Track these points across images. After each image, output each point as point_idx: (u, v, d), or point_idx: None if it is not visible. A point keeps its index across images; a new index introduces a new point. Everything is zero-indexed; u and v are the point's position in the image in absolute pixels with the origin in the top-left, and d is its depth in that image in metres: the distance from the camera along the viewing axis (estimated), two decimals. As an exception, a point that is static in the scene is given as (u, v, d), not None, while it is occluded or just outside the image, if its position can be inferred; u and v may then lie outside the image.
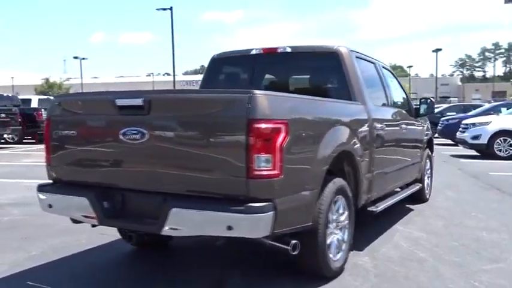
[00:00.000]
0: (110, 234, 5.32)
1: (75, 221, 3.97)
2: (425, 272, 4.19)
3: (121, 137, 3.49)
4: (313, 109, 3.78)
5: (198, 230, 3.24)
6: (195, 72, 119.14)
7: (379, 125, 4.90)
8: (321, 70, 5.02)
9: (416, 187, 6.58)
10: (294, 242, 3.46)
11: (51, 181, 3.98)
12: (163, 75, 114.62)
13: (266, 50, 5.17)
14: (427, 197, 7.43)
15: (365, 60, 5.30)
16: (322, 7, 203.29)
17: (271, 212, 3.11)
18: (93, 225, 3.97)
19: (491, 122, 13.96)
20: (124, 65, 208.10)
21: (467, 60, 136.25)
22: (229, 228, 3.09)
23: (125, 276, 4.26)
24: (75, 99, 4.01)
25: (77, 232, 5.51)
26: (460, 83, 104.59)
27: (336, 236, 4.02)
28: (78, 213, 3.73)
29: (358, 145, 4.33)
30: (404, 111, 6.14)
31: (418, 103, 6.51)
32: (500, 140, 13.57)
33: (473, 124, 14.15)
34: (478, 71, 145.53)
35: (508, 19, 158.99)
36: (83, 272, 4.30)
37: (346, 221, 4.17)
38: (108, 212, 3.58)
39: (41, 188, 3.93)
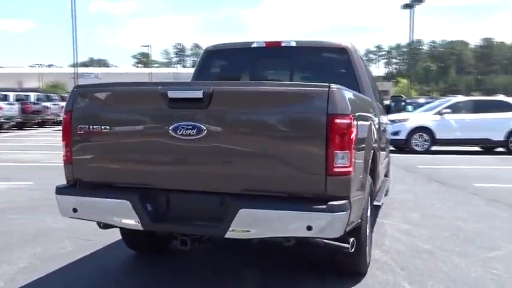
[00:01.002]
0: (95, 240, 4.89)
1: (105, 226, 3.57)
2: (441, 262, 4.36)
3: (171, 132, 3.17)
4: (364, 104, 3.74)
5: (270, 232, 3.05)
6: (84, 64, 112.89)
7: (380, 121, 5.00)
8: (329, 66, 4.97)
9: (387, 181, 6.83)
10: (352, 239, 3.41)
11: (71, 182, 3.52)
12: (48, 66, 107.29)
13: (269, 43, 5.02)
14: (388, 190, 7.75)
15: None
16: (215, 3, 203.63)
17: (349, 210, 3.03)
18: (122, 231, 3.58)
19: (409, 119, 14.97)
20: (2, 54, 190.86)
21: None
22: (309, 228, 2.96)
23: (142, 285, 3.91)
24: (110, 90, 3.53)
25: (55, 239, 5.01)
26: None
27: (368, 231, 4.04)
28: (115, 218, 3.34)
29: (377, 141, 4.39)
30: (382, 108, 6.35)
31: (390, 100, 6.77)
32: (416, 136, 14.66)
33: (393, 121, 15.03)
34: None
35: (389, 23, 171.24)
36: (91, 283, 3.88)
37: (371, 217, 4.20)
38: (154, 216, 3.25)
39: (62, 191, 3.47)
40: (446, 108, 15.16)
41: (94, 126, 3.38)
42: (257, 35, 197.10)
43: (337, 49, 4.86)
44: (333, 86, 3.01)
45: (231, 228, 3.06)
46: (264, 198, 3.09)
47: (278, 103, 3.09)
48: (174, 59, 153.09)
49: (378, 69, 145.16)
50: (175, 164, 3.28)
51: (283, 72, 5.12)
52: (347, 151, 3.01)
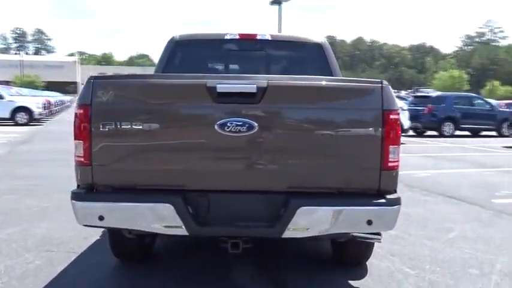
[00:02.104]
0: (62, 250, 4.39)
1: (136, 236, 3.20)
2: (418, 246, 4.71)
3: (217, 129, 2.96)
4: None
5: (331, 228, 3.02)
6: None
7: None
8: (305, 60, 4.98)
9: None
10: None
11: (87, 187, 3.08)
12: None
13: (243, 35, 4.89)
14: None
15: None
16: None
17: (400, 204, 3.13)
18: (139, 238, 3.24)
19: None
20: None
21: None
22: (369, 223, 2.99)
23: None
24: (143, 82, 3.11)
25: (11, 253, 4.32)
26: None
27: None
28: (155, 224, 3.00)
29: None
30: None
31: None
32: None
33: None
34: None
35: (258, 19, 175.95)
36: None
37: None
38: (200, 219, 3.01)
39: (83, 196, 3.03)
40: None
41: (123, 123, 2.99)
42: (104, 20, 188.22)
43: (313, 44, 4.91)
44: (385, 82, 3.07)
45: (289, 228, 2.96)
46: (320, 195, 3.05)
47: (333, 98, 3.07)
48: (14, 45, 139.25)
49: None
50: (222, 162, 3.07)
51: (258, 66, 5.01)
52: (397, 145, 3.09)
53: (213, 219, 3.07)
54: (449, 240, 4.91)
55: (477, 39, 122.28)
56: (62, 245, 4.55)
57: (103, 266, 4.08)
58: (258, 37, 4.86)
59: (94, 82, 3.03)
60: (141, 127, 2.99)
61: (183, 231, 2.99)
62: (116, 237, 3.81)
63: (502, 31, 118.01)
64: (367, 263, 4.12)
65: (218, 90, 2.93)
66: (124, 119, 2.99)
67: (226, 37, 4.87)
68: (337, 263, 4.12)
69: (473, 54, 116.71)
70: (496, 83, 71.85)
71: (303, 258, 4.35)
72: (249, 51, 4.96)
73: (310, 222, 2.99)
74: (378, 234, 3.47)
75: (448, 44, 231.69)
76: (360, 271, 4.00)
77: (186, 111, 3.06)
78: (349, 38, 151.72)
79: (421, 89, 42.87)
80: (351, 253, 3.94)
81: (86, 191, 3.06)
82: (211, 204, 3.08)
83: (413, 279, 3.88)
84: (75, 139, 3.09)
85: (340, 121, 3.06)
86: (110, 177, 3.07)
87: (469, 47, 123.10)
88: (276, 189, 3.07)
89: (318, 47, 4.88)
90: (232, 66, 5.07)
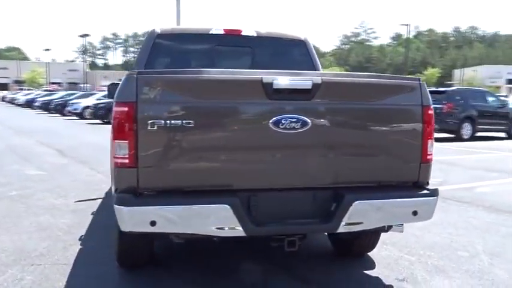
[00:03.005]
0: (49, 263, 4.00)
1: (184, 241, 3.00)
2: (410, 235, 4.99)
3: (271, 126, 2.90)
4: None
5: (382, 221, 3.11)
6: None
7: None
8: (289, 57, 5.01)
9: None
10: None
11: (131, 190, 2.83)
12: None
13: (228, 31, 4.80)
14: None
15: None
16: None
17: None
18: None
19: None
20: None
21: (89, 47, 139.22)
22: (414, 213, 3.13)
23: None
24: (193, 77, 2.90)
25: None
26: (88, 70, 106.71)
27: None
28: (211, 227, 2.85)
29: None
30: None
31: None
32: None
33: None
34: (100, 58, 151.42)
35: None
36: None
37: None
38: (256, 219, 2.92)
39: (132, 201, 2.77)
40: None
41: (171, 121, 2.80)
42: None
43: (296, 41, 5.00)
44: (421, 79, 3.22)
45: (344, 222, 2.99)
46: (367, 189, 3.13)
47: (379, 95, 3.15)
48: None
49: (115, 57, 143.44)
50: (276, 160, 3.00)
51: (243, 62, 4.93)
52: (432, 139, 3.27)
53: (267, 218, 2.99)
54: (425, 227, 5.25)
55: (353, 39, 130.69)
56: (44, 257, 4.12)
57: (106, 277, 3.77)
58: (243, 33, 4.81)
59: (138, 78, 2.79)
60: (191, 125, 2.82)
61: (240, 232, 2.88)
62: (128, 245, 3.56)
63: (374, 32, 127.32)
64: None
65: (274, 87, 2.87)
66: (172, 117, 2.80)
67: (211, 32, 4.76)
68: (341, 255, 4.23)
69: (351, 52, 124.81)
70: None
71: (305, 255, 4.39)
72: (233, 46, 4.87)
73: (364, 215, 3.04)
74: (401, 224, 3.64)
75: (327, 42, 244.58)
76: (367, 261, 4.15)
77: (239, 108, 2.94)
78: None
79: None
80: (363, 244, 4.07)
81: (135, 195, 2.82)
82: (265, 203, 3.00)
83: (418, 264, 4.11)
84: (115, 139, 2.84)
85: (385, 117, 3.15)
86: (156, 179, 2.86)
87: (346, 45, 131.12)
88: (328, 184, 3.09)
89: (302, 43, 4.96)
90: (217, 61, 4.92)
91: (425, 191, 3.17)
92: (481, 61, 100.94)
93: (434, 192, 3.18)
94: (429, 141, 3.22)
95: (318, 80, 2.95)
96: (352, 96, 3.09)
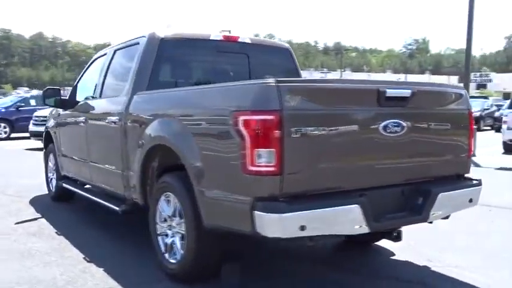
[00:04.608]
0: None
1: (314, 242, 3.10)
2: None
3: (381, 130, 3.22)
4: None
5: (450, 209, 3.62)
6: None
7: None
8: (278, 64, 5.22)
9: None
10: None
11: (271, 197, 2.88)
12: None
13: (226, 37, 4.83)
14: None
15: None
16: None
17: None
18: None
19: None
20: None
21: None
22: (470, 200, 3.74)
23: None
24: (325, 86, 3.04)
25: None
26: None
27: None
28: (346, 226, 3.06)
29: None
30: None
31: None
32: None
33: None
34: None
35: None
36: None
37: None
38: (374, 215, 3.17)
39: (282, 207, 2.82)
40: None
41: (309, 129, 2.92)
42: None
43: (284, 49, 5.29)
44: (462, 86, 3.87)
45: (432, 213, 3.44)
46: (441, 182, 3.62)
47: (449, 101, 3.75)
48: None
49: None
50: (384, 161, 3.34)
51: (240, 67, 4.97)
52: (473, 138, 3.93)
53: (380, 214, 3.27)
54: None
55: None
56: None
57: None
58: (239, 40, 4.92)
59: (280, 86, 2.85)
60: (324, 131, 2.99)
61: (365, 229, 3.13)
62: (203, 257, 3.52)
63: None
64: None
65: (387, 95, 3.18)
66: (310, 124, 2.95)
67: (211, 37, 4.76)
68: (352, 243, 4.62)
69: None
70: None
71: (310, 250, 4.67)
72: (230, 52, 4.92)
73: (444, 205, 3.53)
74: None
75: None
76: (381, 247, 4.63)
77: (359, 114, 3.21)
78: (27, 33, 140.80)
79: None
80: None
81: (280, 202, 2.87)
82: (381, 199, 3.28)
83: (429, 247, 4.68)
84: (256, 147, 2.84)
85: (449, 119, 3.72)
86: (295, 185, 2.95)
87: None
88: (417, 179, 3.51)
89: (288, 51, 5.28)
90: (218, 66, 4.96)
91: (476, 181, 3.80)
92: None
93: (480, 182, 3.84)
94: (472, 140, 3.87)
95: (414, 89, 3.38)
96: (429, 102, 3.59)
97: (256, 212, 2.85)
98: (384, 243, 4.71)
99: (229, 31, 4.92)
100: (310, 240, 3.17)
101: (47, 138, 7.04)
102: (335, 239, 3.65)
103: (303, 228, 2.85)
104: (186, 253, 3.56)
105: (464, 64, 14.52)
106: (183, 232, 3.62)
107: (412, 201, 3.45)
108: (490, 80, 67.39)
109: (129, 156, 4.30)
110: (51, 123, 6.80)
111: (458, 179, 3.80)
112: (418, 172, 3.54)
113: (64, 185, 6.21)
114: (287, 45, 5.37)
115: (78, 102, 5.85)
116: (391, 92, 3.22)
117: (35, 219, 5.77)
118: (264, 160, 2.84)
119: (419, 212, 3.42)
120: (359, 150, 3.21)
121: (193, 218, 3.45)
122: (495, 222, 5.73)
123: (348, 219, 3.04)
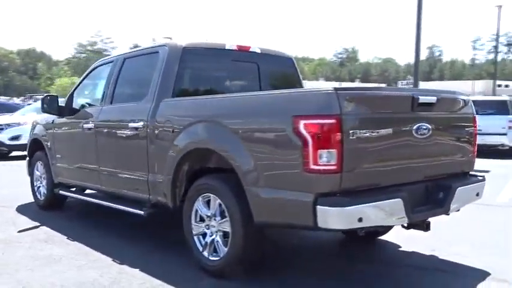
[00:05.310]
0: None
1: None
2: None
3: (413, 132, 3.66)
4: None
5: (464, 202, 4.09)
6: None
7: None
8: (284, 72, 5.55)
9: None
10: None
11: (331, 193, 3.24)
12: None
13: (239, 47, 5.09)
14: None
15: None
16: None
17: None
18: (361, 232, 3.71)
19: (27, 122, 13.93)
20: None
21: None
22: (477, 194, 4.24)
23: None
24: (375, 94, 3.41)
25: None
26: None
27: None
28: (393, 218, 3.46)
29: None
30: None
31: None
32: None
33: (9, 125, 13.72)
34: None
35: None
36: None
37: None
38: (411, 208, 3.57)
39: (343, 202, 3.18)
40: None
41: (362, 131, 3.32)
42: None
43: (288, 58, 5.63)
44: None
45: (452, 205, 3.90)
46: (456, 178, 4.09)
47: (460, 107, 4.22)
48: None
49: None
50: (414, 159, 3.77)
51: (252, 76, 5.24)
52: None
53: (412, 207, 3.66)
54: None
55: (89, 48, 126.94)
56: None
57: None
58: (251, 49, 5.21)
59: (339, 94, 3.22)
60: (374, 134, 3.39)
61: (405, 220, 3.54)
62: (249, 252, 3.81)
63: (112, 41, 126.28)
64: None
65: (419, 101, 3.62)
66: (363, 127, 3.33)
67: (226, 47, 5.02)
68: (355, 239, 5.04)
69: (88, 61, 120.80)
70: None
71: (309, 249, 5.06)
72: (243, 61, 5.20)
73: (460, 199, 3.99)
74: None
75: (61, 50, 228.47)
76: (385, 241, 5.06)
77: (397, 118, 3.63)
78: None
79: (36, 95, 40.69)
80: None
81: (344, 197, 3.23)
82: (413, 194, 3.67)
83: (429, 239, 5.10)
84: (319, 148, 3.18)
85: (462, 122, 4.22)
86: (352, 181, 3.32)
87: (83, 54, 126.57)
88: (437, 176, 3.97)
89: (291, 60, 5.64)
90: (232, 75, 5.24)
91: (480, 177, 4.32)
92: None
93: (484, 178, 4.35)
94: (476, 141, 4.39)
95: (438, 95, 3.85)
96: (447, 107, 4.09)
97: (319, 206, 3.18)
98: (384, 236, 5.15)
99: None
100: (361, 231, 3.54)
101: (33, 147, 6.95)
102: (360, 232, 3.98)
103: (360, 220, 3.22)
104: (232, 249, 3.79)
105: (391, 73, 15.27)
106: (226, 230, 3.85)
107: (435, 195, 3.89)
108: (416, 88, 71.44)
109: (156, 160, 4.45)
110: (40, 131, 6.71)
111: (465, 176, 4.29)
112: (438, 169, 3.99)
113: (61, 192, 6.18)
114: (290, 54, 5.71)
115: (77, 109, 5.89)
116: (422, 99, 3.67)
117: (37, 227, 5.72)
118: (325, 160, 3.19)
119: (441, 205, 3.86)
120: (397, 150, 3.62)
121: (240, 217, 3.70)
122: (482, 217, 6.30)
123: (395, 211, 3.43)
